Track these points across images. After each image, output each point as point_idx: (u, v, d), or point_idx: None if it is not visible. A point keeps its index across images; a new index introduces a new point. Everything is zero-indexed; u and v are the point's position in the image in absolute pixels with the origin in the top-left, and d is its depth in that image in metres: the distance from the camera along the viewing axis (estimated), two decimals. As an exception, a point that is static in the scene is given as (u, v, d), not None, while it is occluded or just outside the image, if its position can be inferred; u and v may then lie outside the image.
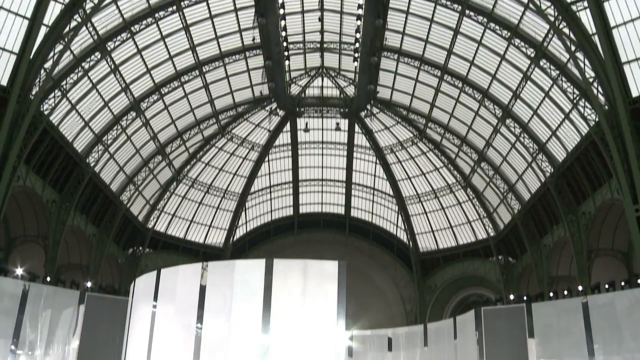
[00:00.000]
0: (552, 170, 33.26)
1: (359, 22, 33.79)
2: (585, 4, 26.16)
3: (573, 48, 27.15)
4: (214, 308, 18.53)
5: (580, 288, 26.14)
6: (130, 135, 36.89)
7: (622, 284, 23.59)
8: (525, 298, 26.45)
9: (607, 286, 24.00)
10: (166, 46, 34.02)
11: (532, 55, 30.32)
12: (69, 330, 24.47)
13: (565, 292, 25.51)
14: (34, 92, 27.23)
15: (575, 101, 29.03)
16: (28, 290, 23.89)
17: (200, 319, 18.43)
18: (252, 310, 17.95)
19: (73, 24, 27.85)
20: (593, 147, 28.77)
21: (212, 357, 17.88)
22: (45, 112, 28.88)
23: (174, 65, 35.57)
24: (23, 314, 23.49)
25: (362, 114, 42.73)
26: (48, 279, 25.67)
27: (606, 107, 26.49)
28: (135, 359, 20.21)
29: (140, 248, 42.51)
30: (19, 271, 24.92)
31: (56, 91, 29.40)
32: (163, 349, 19.28)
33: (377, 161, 45.50)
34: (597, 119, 27.36)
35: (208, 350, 17.87)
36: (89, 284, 27.01)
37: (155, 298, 20.25)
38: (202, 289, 18.89)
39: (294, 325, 17.73)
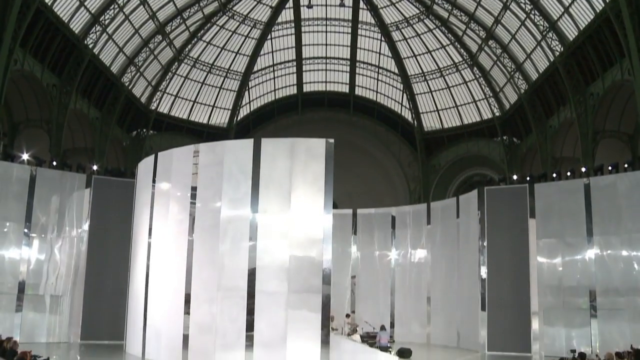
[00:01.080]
0: (561, 49, 32.38)
1: None
2: None
3: None
4: (205, 188, 19.12)
5: (583, 169, 26.22)
6: (128, 14, 35.67)
7: (625, 166, 23.65)
8: (528, 178, 26.61)
9: (610, 168, 24.09)
10: None
11: None
12: (79, 213, 25.05)
13: (568, 174, 25.65)
14: (22, -31, 26.11)
15: (591, -25, 27.74)
16: (35, 175, 24.27)
17: (193, 198, 19.07)
18: (241, 189, 18.51)
19: None
20: (607, 25, 27.82)
21: (205, 236, 18.65)
22: (37, -9, 27.80)
23: (169, -62, 33.83)
24: (32, 198, 24.00)
25: (367, -12, 41.10)
26: (54, 163, 25.86)
27: (624, -19, 25.32)
28: (141, 238, 21.13)
29: (144, 130, 42.52)
30: (25, 156, 25.06)
31: (45, -32, 28.16)
32: (161, 225, 20.07)
33: (382, 38, 44.23)
34: (613, -6, 26.24)
35: (201, 229, 18.61)
36: (95, 167, 27.18)
37: (154, 180, 20.94)
38: (195, 170, 19.45)
39: (281, 203, 18.28)
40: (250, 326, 17.32)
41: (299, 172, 18.19)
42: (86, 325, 24.03)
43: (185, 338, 18.08)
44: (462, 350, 24.95)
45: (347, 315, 25.72)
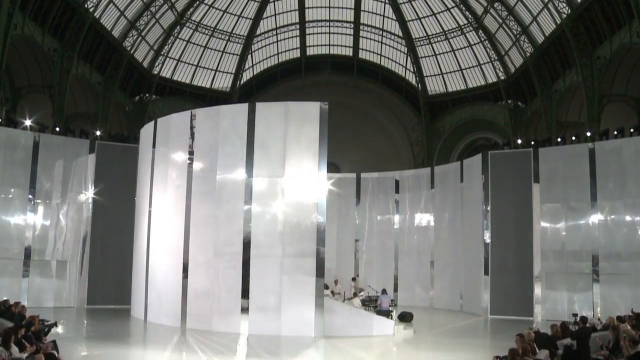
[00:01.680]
0: (569, 11, 31.81)
1: None
2: None
3: None
4: (202, 152, 19.31)
5: (588, 134, 26.10)
6: (128, -24, 35.22)
7: (632, 130, 23.51)
8: (532, 143, 26.51)
9: (615, 133, 23.95)
10: None
11: None
12: (83, 179, 25.12)
13: (573, 138, 25.53)
14: None
15: None
16: (39, 140, 24.28)
17: (191, 163, 19.31)
18: (237, 153, 18.69)
19: None
20: (616, -14, 27.36)
21: (202, 201, 18.86)
22: (34, -47, 27.39)
23: None
24: (36, 164, 24.06)
25: (371, -51, 40.29)
26: (57, 129, 25.80)
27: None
28: (144, 204, 21.34)
29: (147, 95, 42.27)
30: (28, 122, 25.01)
31: None
32: (161, 190, 20.29)
33: (386, 1, 43.55)
34: (622, -46, 25.70)
35: (198, 193, 18.80)
36: (98, 133, 27.16)
37: (154, 145, 21.11)
38: (192, 134, 19.65)
39: (276, 167, 18.45)
40: (245, 290, 17.61)
41: (293, 136, 18.27)
42: (92, 290, 24.31)
43: (184, 302, 18.44)
44: (465, 314, 25.18)
45: (353, 279, 25.88)
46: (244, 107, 19.27)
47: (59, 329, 16.57)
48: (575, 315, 18.17)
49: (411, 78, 46.43)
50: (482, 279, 24.42)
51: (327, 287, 21.62)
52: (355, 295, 21.57)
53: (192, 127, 19.44)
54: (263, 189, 18.24)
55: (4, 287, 22.26)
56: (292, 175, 18.12)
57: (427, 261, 28.47)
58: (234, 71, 46.24)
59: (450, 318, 24.12)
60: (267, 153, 18.34)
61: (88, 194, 25.10)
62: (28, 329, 12.03)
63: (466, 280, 26.02)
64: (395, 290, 28.35)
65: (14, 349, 10.17)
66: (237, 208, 18.29)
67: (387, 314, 20.18)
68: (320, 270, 17.53)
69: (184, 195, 19.16)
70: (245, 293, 17.63)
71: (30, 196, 23.87)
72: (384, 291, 21.92)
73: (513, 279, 24.03)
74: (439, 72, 45.16)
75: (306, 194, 18.00)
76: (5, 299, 17.14)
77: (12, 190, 23.75)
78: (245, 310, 17.60)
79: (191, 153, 19.29)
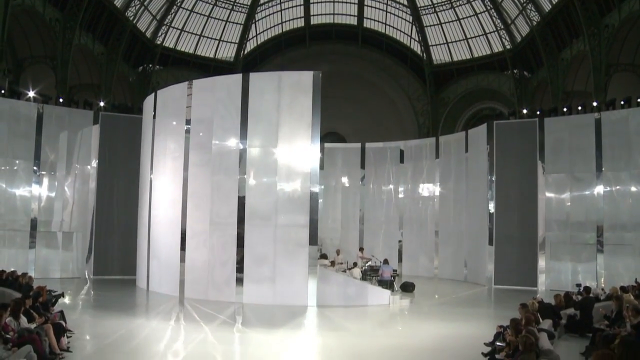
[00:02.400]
0: (577, -22, 31.36)
1: None
2: None
3: None
4: (199, 124, 19.34)
5: (594, 104, 25.87)
6: (129, -55, 34.74)
7: (639, 100, 23.27)
8: (538, 112, 26.34)
9: (622, 102, 23.74)
10: None
11: None
12: (87, 150, 25.12)
13: (579, 108, 25.33)
14: None
15: None
16: (42, 112, 24.21)
17: (188, 134, 19.37)
18: (232, 124, 18.73)
19: None
20: (624, -48, 26.87)
21: (198, 172, 18.93)
22: None
23: None
24: (40, 135, 24.05)
25: None
26: (61, 100, 25.71)
27: None
28: (147, 175, 21.46)
29: (150, 65, 42.01)
30: (31, 93, 24.91)
31: None
32: (161, 161, 20.40)
33: (392, -32, 43.04)
34: None
35: (194, 165, 18.85)
36: (102, 104, 27.06)
37: (154, 117, 21.21)
38: (189, 106, 19.69)
39: (270, 137, 18.49)
40: (240, 260, 17.74)
41: (286, 106, 18.28)
42: (98, 261, 24.48)
43: (182, 272, 18.64)
44: (469, 284, 25.30)
45: (361, 249, 25.93)
46: (239, 77, 19.24)
47: (66, 300, 16.69)
48: (578, 285, 18.22)
49: (416, 47, 45.96)
50: (487, 249, 24.47)
51: (326, 257, 21.74)
52: (355, 265, 21.62)
53: (188, 99, 19.51)
54: (257, 159, 18.32)
55: (11, 259, 22.45)
56: (286, 145, 18.15)
57: (432, 231, 28.54)
58: (237, 41, 45.84)
59: (454, 288, 24.21)
60: (261, 123, 18.39)
61: (92, 165, 25.12)
62: (36, 300, 12.14)
63: (470, 250, 26.10)
64: (400, 260, 28.47)
65: (23, 320, 10.28)
66: (232, 178, 18.39)
67: (388, 284, 20.28)
68: (313, 240, 17.62)
69: (182, 166, 19.28)
70: (240, 263, 17.78)
71: (35, 168, 23.90)
72: (385, 261, 21.98)
73: (517, 249, 24.07)
74: (444, 41, 44.66)
75: (299, 164, 18.04)
76: (12, 270, 17.29)
77: (17, 162, 23.78)
78: (240, 279, 17.75)
79: (188, 124, 19.36)
